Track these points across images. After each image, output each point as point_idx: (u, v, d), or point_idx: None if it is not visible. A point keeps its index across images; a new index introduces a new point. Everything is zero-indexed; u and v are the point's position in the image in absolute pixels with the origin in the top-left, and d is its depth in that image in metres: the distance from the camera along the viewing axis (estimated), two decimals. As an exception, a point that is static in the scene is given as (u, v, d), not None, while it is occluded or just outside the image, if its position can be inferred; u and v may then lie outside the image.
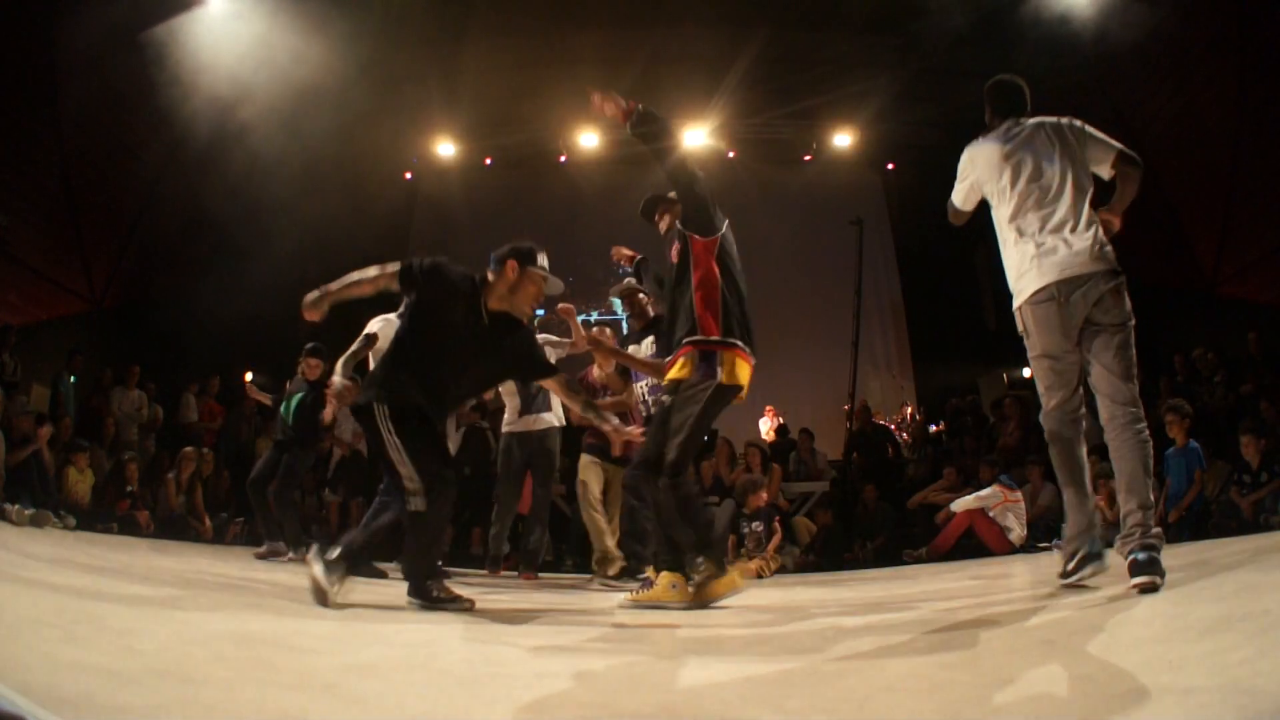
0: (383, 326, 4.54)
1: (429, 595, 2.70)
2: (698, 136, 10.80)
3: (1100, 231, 2.64)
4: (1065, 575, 2.69)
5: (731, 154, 11.17)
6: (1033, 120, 2.80)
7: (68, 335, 8.42)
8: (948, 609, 2.74)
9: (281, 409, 5.55)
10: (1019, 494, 6.13)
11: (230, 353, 8.21)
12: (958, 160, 2.96)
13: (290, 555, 5.15)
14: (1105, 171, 2.74)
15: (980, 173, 2.81)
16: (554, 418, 5.13)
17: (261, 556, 5.22)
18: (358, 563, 2.77)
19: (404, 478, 2.62)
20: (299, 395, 5.44)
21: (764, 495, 5.97)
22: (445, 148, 11.00)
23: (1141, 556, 2.34)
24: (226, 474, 7.43)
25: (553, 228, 11.58)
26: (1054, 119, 2.79)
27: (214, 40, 7.58)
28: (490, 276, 2.84)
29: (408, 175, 11.63)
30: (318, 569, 2.55)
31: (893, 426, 9.49)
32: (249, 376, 5.67)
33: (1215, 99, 7.66)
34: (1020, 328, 2.71)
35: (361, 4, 7.83)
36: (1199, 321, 8.57)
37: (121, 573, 3.13)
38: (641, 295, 4.43)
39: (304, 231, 8.81)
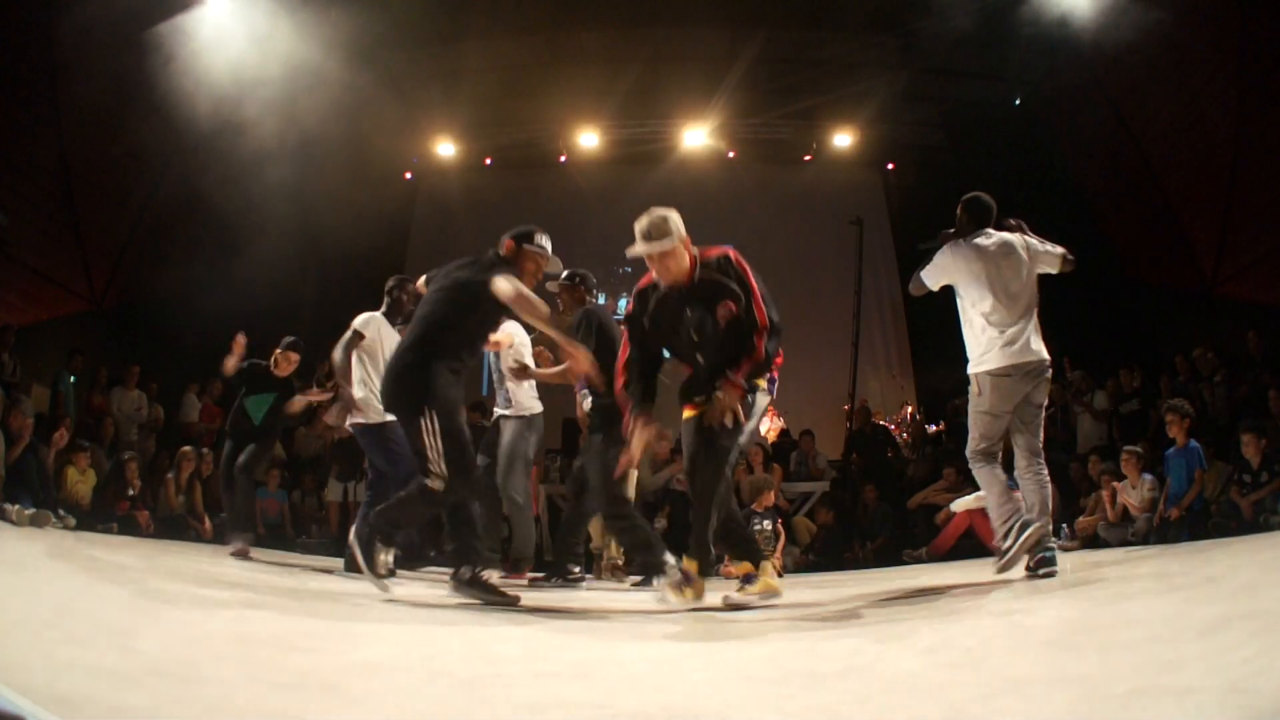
0: (371, 324, 4.49)
1: (477, 584, 2.83)
2: (698, 136, 10.80)
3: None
4: (1004, 554, 3.47)
5: (731, 154, 11.16)
6: (1000, 235, 3.59)
7: (68, 335, 8.42)
8: (948, 609, 2.74)
9: (249, 406, 5.39)
10: (1019, 494, 6.12)
11: (229, 353, 8.20)
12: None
13: (235, 546, 4.97)
14: (1053, 271, 3.61)
15: (958, 274, 3.59)
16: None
17: (238, 555, 4.97)
18: (390, 539, 2.94)
19: (429, 461, 2.79)
20: (271, 396, 5.32)
21: (771, 495, 5.97)
22: (445, 148, 10.99)
23: (1048, 554, 3.41)
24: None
25: (553, 228, 11.41)
26: (1018, 236, 3.60)
27: (214, 40, 7.57)
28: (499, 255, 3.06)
29: (408, 175, 11.63)
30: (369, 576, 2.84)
31: (892, 426, 9.49)
32: (241, 338, 5.51)
33: (1215, 99, 7.65)
34: (975, 387, 3.56)
35: (362, 4, 7.83)
36: (1199, 321, 8.56)
37: (121, 573, 3.13)
38: (580, 288, 4.31)
39: (304, 231, 8.81)
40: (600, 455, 3.75)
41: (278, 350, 5.34)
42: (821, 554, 6.58)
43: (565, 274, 4.24)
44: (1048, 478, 3.60)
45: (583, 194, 11.30)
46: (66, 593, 2.36)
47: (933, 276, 3.67)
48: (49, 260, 8.27)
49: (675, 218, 2.98)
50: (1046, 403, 3.60)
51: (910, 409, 10.01)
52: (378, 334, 4.51)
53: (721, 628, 2.42)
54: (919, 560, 6.07)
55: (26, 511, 5.36)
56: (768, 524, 5.76)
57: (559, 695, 1.40)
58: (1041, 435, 3.60)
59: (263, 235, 8.01)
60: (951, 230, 3.72)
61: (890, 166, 11.60)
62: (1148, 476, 5.88)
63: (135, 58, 7.35)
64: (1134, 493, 5.89)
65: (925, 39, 8.94)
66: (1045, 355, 3.48)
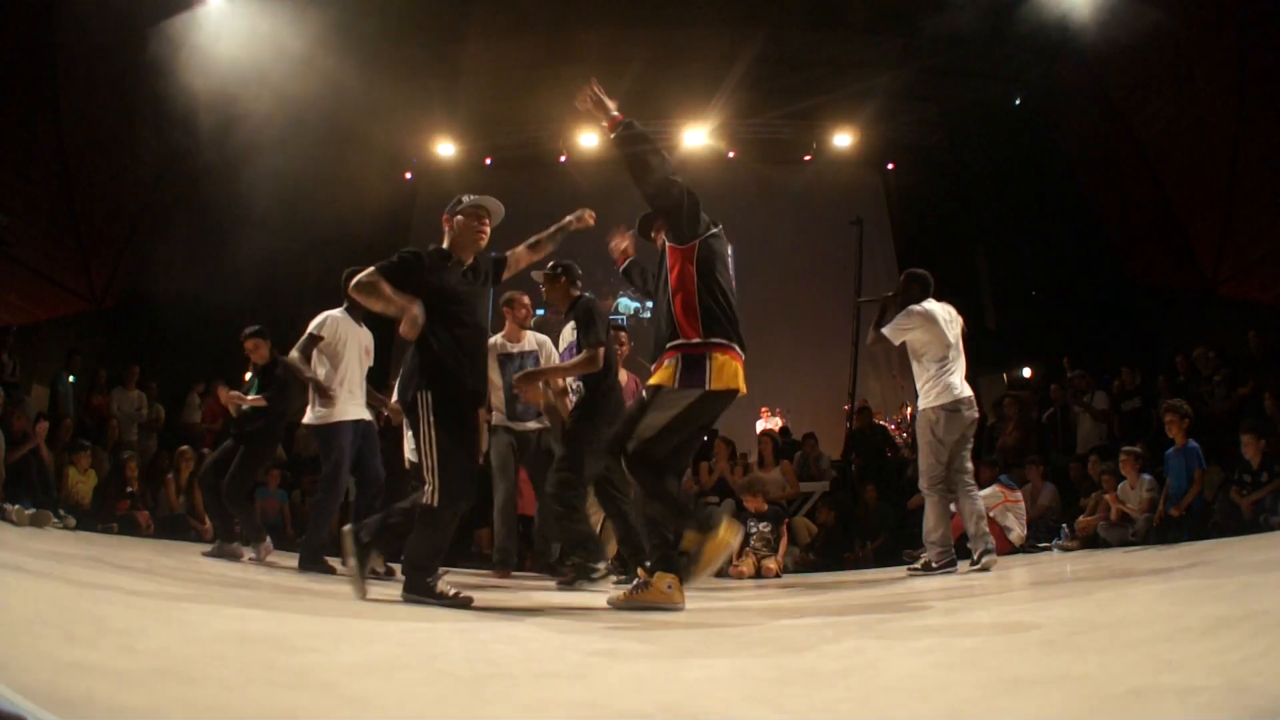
0: (328, 324, 4.38)
1: (430, 592, 2.72)
2: (698, 136, 10.80)
3: None
4: (975, 562, 4.39)
5: (731, 154, 11.17)
6: (939, 304, 4.67)
7: (68, 335, 8.42)
8: (947, 609, 2.74)
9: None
10: (1019, 494, 6.12)
11: (230, 353, 8.20)
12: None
13: (250, 555, 4.70)
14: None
15: (924, 331, 4.54)
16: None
17: (209, 555, 4.72)
18: (385, 548, 2.94)
19: (424, 469, 2.74)
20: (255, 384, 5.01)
21: (761, 499, 5.94)
22: (445, 148, 11.00)
23: (986, 560, 4.37)
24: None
25: (553, 228, 11.58)
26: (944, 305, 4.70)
27: (214, 40, 7.58)
28: (445, 243, 3.05)
29: (408, 175, 11.63)
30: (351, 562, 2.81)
31: (892, 427, 9.49)
32: (223, 389, 5.26)
33: (1215, 99, 7.66)
34: (931, 419, 4.49)
35: (362, 3, 7.83)
36: (1199, 321, 8.57)
37: (121, 572, 3.13)
38: (564, 279, 4.26)
39: (305, 231, 8.81)
40: (580, 442, 3.86)
41: (246, 344, 4.95)
42: (821, 554, 6.58)
43: (549, 265, 4.23)
44: (975, 490, 4.58)
45: (583, 194, 11.29)
46: (66, 593, 2.35)
47: (901, 334, 4.56)
48: (49, 260, 8.27)
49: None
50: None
51: (910, 409, 10.01)
52: (335, 333, 4.39)
53: (721, 628, 2.42)
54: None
55: (26, 511, 5.36)
56: (764, 525, 5.74)
57: (559, 695, 1.40)
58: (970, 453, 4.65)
59: (262, 235, 8.01)
60: (891, 294, 4.79)
61: (890, 166, 11.61)
62: (1147, 477, 5.88)
63: (135, 57, 7.36)
64: (1132, 494, 5.89)
65: (925, 39, 8.94)
66: (975, 402, 4.61)
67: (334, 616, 2.38)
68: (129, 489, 6.61)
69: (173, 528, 6.56)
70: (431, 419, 2.75)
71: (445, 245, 3.03)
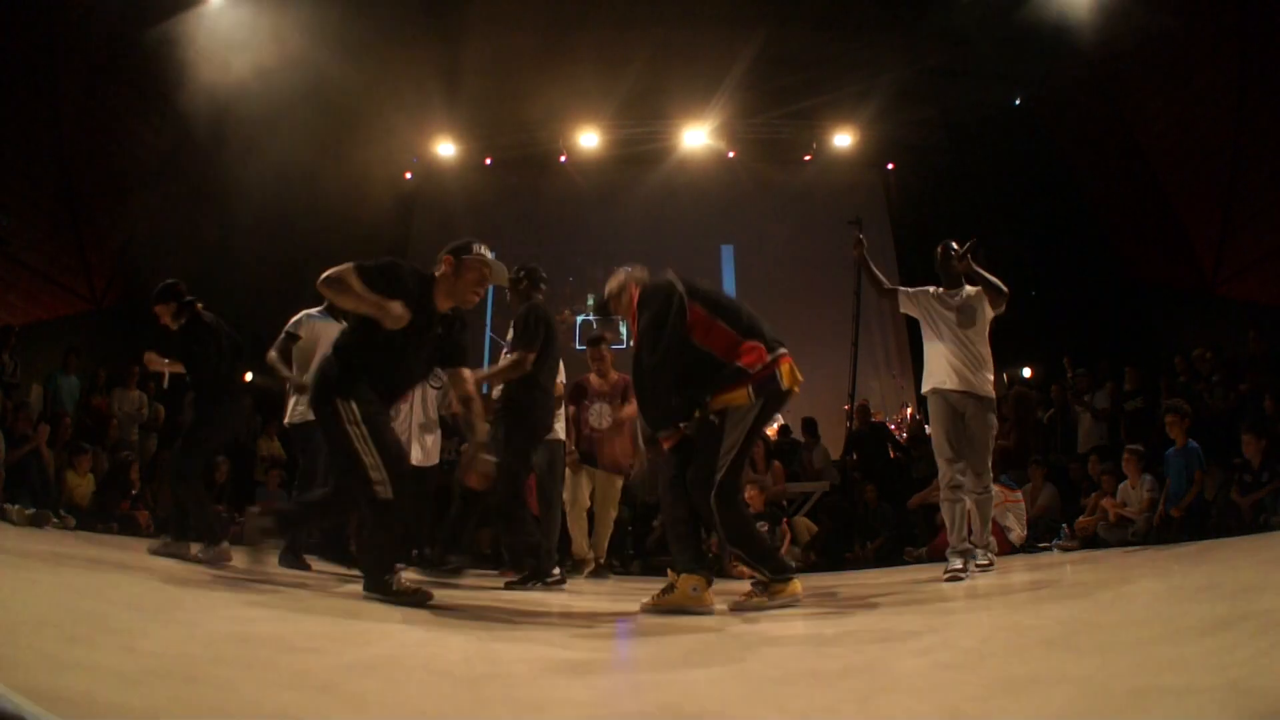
0: (304, 324, 4.38)
1: (389, 589, 2.69)
2: (698, 136, 10.80)
3: None
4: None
5: (731, 154, 11.17)
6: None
7: (68, 335, 8.41)
8: (947, 609, 2.74)
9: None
10: (1019, 494, 6.12)
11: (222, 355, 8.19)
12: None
13: (201, 553, 4.01)
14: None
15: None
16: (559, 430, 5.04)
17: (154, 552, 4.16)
18: (285, 534, 2.90)
19: (369, 467, 2.65)
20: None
21: (759, 496, 5.95)
22: (445, 148, 11.00)
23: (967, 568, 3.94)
24: (226, 472, 7.42)
25: (553, 228, 11.58)
26: None
27: (214, 40, 7.58)
28: (436, 274, 2.88)
29: (408, 175, 11.64)
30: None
31: (893, 426, 9.48)
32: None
33: (1215, 99, 7.66)
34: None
35: (362, 3, 7.83)
36: (1199, 321, 8.57)
37: (121, 572, 3.13)
38: (525, 283, 4.28)
39: (304, 231, 8.81)
40: (507, 449, 3.85)
41: (155, 309, 4.53)
42: (821, 554, 6.58)
43: (514, 269, 4.21)
44: (991, 491, 4.28)
45: (583, 194, 11.31)
46: (66, 593, 2.35)
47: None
48: (49, 260, 8.27)
49: (622, 274, 3.26)
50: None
51: (910, 409, 10.01)
52: (313, 333, 4.36)
53: (722, 628, 2.42)
54: (919, 560, 6.07)
55: (26, 511, 5.36)
56: (763, 525, 5.74)
57: (559, 695, 1.40)
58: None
59: (262, 235, 8.01)
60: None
61: (890, 166, 11.61)
62: (1147, 476, 5.88)
63: (135, 57, 7.36)
64: (1133, 493, 5.89)
65: (925, 39, 8.94)
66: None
67: (334, 617, 2.38)
68: (132, 490, 6.62)
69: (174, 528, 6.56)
70: (361, 423, 2.67)
71: (435, 276, 2.86)
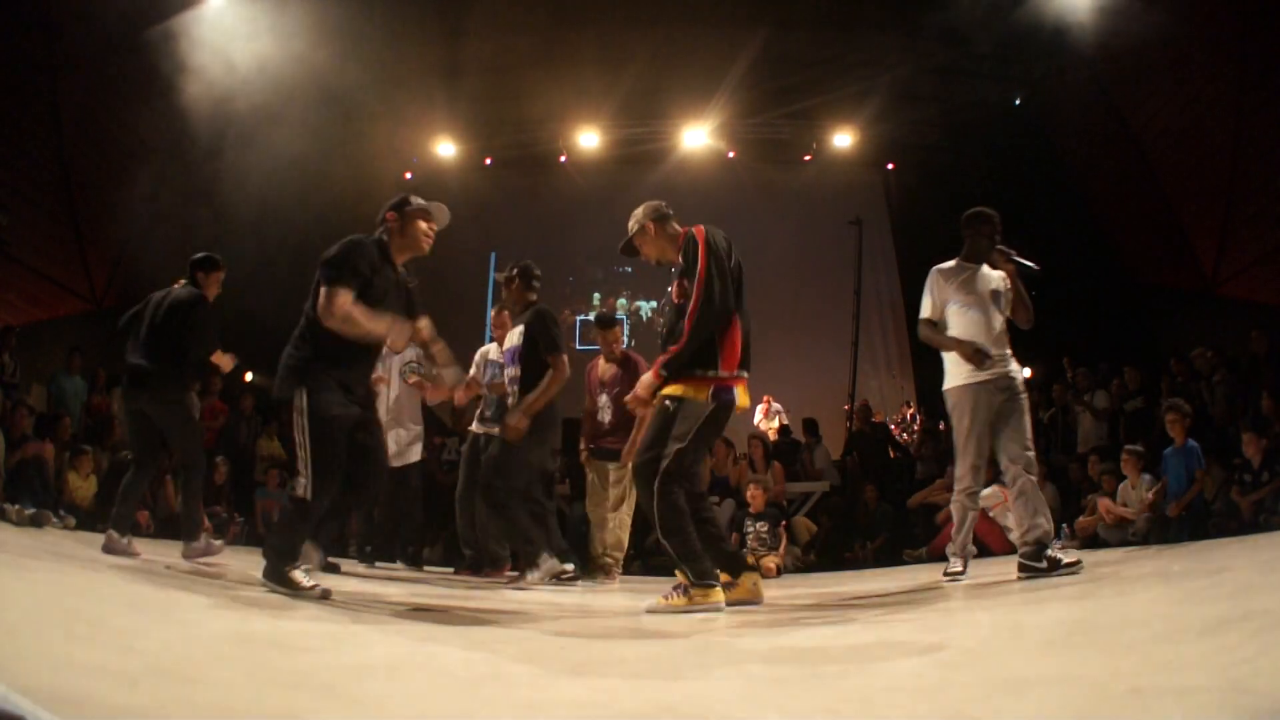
0: None
1: (286, 581, 2.70)
2: (698, 136, 10.80)
3: None
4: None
5: (731, 154, 11.17)
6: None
7: (68, 335, 8.41)
8: (947, 609, 2.74)
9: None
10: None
11: (229, 351, 8.20)
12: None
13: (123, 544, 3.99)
14: None
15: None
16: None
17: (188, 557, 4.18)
18: (295, 556, 2.83)
19: (298, 460, 2.71)
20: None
21: (761, 495, 5.94)
22: (445, 148, 11.00)
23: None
24: (225, 472, 7.42)
25: (553, 228, 11.59)
26: None
27: (214, 39, 7.57)
28: (384, 237, 2.95)
29: (408, 175, 11.64)
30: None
31: (893, 426, 9.49)
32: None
33: (1215, 99, 7.66)
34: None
35: (362, 3, 7.83)
36: (1199, 321, 8.57)
37: (121, 572, 3.13)
38: (518, 282, 4.27)
39: (303, 231, 8.80)
40: (530, 443, 3.89)
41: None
42: (821, 554, 6.58)
43: (508, 266, 4.28)
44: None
45: (583, 194, 11.31)
46: (67, 593, 2.35)
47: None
48: (49, 260, 8.27)
49: (648, 205, 3.13)
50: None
51: (910, 409, 10.02)
52: None
53: (721, 628, 2.42)
54: (919, 560, 6.07)
55: (27, 511, 5.36)
56: (762, 525, 5.74)
57: (559, 695, 1.40)
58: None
59: (261, 235, 8.00)
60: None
61: (890, 166, 11.62)
62: (1147, 476, 5.88)
63: (135, 57, 7.35)
64: (1133, 493, 5.89)
65: (926, 39, 8.94)
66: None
67: (334, 617, 2.38)
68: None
69: (173, 528, 6.56)
70: (306, 417, 2.70)
71: (384, 239, 2.94)
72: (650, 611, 2.78)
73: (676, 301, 2.93)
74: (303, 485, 2.70)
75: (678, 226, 3.10)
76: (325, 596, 2.70)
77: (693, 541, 2.84)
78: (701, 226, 2.97)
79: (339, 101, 8.60)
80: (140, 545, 4.23)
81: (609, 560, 4.94)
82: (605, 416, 4.90)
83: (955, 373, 3.72)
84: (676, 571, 2.91)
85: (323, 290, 2.73)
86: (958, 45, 8.89)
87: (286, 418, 2.80)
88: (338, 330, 2.73)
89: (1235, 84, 7.38)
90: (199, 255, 4.41)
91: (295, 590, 2.68)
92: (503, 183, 11.57)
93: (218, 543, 4.46)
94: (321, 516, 2.89)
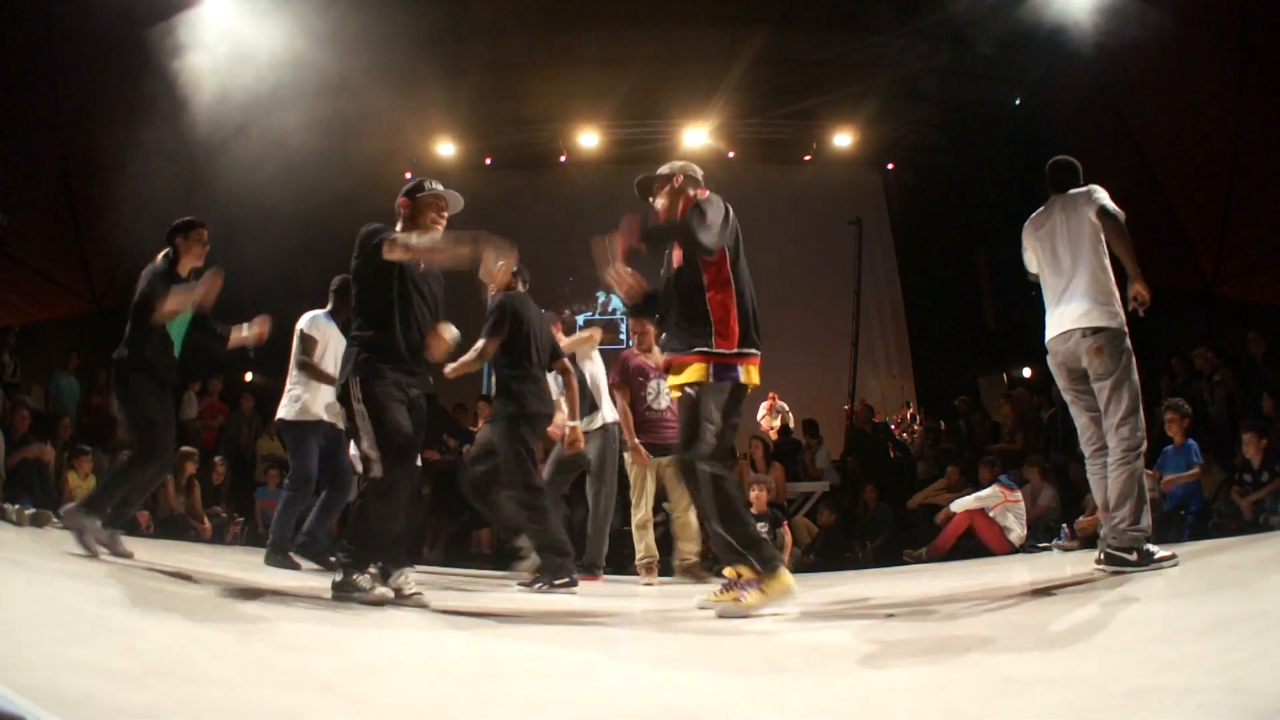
0: (318, 324, 4.43)
1: (352, 587, 2.59)
2: (698, 136, 10.80)
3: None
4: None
5: (731, 154, 11.16)
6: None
7: (68, 335, 8.41)
8: (948, 609, 2.74)
9: None
10: (1019, 494, 6.12)
11: (228, 352, 8.19)
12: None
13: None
14: None
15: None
16: (601, 416, 4.91)
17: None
18: (368, 560, 2.78)
19: (365, 444, 2.71)
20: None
21: (764, 495, 5.94)
22: (445, 148, 10.99)
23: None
24: (225, 472, 7.42)
25: (553, 228, 11.57)
26: None
27: (214, 39, 7.57)
28: (399, 225, 3.03)
29: (408, 175, 11.62)
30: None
31: (893, 426, 9.49)
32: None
33: (1215, 99, 7.66)
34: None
35: (362, 3, 7.83)
36: (1199, 321, 8.56)
37: (121, 573, 3.13)
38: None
39: (303, 231, 8.80)
40: (504, 437, 3.90)
41: None
42: (821, 554, 6.58)
43: None
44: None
45: (583, 194, 11.31)
46: (66, 593, 2.35)
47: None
48: (49, 260, 8.27)
49: (688, 163, 3.24)
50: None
51: (910, 409, 10.02)
52: (323, 334, 4.43)
53: (721, 628, 2.42)
54: (919, 560, 6.07)
55: (27, 511, 5.35)
56: (761, 527, 5.73)
57: (559, 695, 1.40)
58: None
59: (261, 235, 7.99)
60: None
61: (890, 166, 11.61)
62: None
63: (135, 58, 7.35)
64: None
65: (925, 39, 8.94)
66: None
67: (334, 617, 2.38)
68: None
69: (173, 528, 6.56)
70: (363, 402, 2.73)
71: (400, 228, 3.01)
72: (722, 616, 2.61)
73: (676, 266, 2.96)
74: (376, 466, 2.68)
75: (695, 195, 3.11)
76: (406, 599, 2.62)
77: (752, 527, 2.78)
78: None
79: (339, 101, 8.60)
80: (141, 545, 4.22)
81: (690, 559, 4.86)
82: (663, 402, 4.80)
83: (1121, 312, 3.49)
84: (726, 570, 2.83)
85: (378, 246, 2.83)
86: (958, 45, 8.89)
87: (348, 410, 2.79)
88: (402, 258, 2.85)
89: (1235, 84, 7.38)
90: (174, 222, 4.27)
91: (362, 595, 2.56)
92: (503, 183, 11.56)
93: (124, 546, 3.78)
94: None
